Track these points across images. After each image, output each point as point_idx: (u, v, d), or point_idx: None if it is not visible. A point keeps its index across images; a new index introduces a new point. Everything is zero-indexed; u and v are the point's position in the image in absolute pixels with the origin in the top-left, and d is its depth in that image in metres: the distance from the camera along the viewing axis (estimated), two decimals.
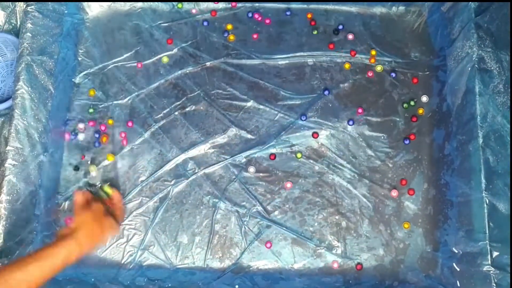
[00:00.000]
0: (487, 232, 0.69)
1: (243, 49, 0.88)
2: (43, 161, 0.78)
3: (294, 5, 0.89)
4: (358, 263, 0.79)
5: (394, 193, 0.81)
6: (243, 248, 0.80)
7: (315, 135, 0.83)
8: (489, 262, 0.68)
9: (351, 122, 0.83)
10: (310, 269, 0.80)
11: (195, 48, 0.88)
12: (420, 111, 0.84)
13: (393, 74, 0.85)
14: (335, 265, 0.79)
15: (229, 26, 0.88)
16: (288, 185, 0.82)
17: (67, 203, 0.82)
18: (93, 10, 0.90)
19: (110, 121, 0.85)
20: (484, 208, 0.70)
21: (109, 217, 0.73)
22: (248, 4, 0.89)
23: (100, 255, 0.80)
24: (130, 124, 0.85)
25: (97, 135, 0.84)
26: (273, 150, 0.83)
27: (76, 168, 0.83)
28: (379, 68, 0.86)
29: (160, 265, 0.80)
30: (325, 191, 0.82)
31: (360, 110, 0.84)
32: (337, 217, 0.81)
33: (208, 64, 0.87)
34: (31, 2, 0.79)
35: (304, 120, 0.84)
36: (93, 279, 0.78)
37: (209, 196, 0.82)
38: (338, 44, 0.88)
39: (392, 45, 0.87)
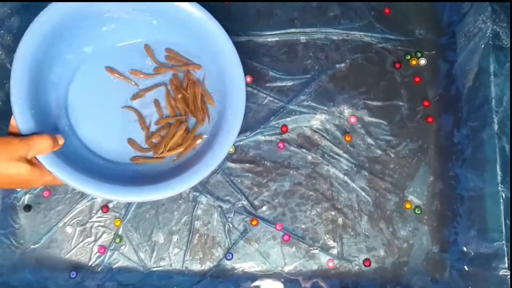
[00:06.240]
0: (504, 231, 0.63)
1: (230, 25, 0.79)
2: None
3: None
4: (366, 259, 0.73)
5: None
6: (226, 248, 0.73)
7: (283, 128, 0.75)
8: (506, 265, 0.62)
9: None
10: (303, 272, 0.72)
11: None
12: (414, 62, 0.77)
13: None
14: (330, 264, 0.72)
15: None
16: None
17: (26, 197, 0.73)
18: None
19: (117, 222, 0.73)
20: (500, 203, 0.63)
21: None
22: None
23: (64, 257, 0.72)
24: None
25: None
26: (260, 137, 0.75)
27: (28, 208, 0.73)
28: None
29: (132, 267, 0.72)
30: (319, 184, 0.74)
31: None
32: (332, 213, 0.74)
33: None
34: None
35: None
36: (55, 284, 0.71)
37: (189, 190, 0.74)
38: (335, 19, 0.79)
39: (395, 21, 0.79)
